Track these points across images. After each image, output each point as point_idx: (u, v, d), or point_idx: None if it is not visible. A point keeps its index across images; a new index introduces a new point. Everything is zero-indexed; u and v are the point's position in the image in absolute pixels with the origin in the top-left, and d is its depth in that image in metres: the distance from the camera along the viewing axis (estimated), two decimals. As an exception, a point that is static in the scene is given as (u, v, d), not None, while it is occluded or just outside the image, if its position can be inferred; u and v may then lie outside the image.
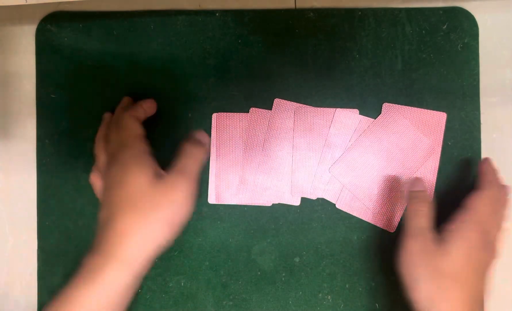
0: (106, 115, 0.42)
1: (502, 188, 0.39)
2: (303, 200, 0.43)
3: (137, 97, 0.43)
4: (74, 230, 0.43)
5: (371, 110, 0.43)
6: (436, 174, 0.43)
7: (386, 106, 0.43)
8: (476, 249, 0.36)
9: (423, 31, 0.44)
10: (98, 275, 0.32)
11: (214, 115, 0.43)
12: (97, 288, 0.32)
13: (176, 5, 0.44)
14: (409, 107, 0.43)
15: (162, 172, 0.36)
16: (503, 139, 0.44)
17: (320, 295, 0.43)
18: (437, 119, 0.43)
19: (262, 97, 0.43)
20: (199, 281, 0.43)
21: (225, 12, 0.43)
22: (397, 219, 0.43)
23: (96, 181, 0.39)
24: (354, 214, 0.43)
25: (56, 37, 0.43)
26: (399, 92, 0.44)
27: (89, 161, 0.43)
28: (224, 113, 0.43)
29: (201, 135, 0.40)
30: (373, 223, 0.43)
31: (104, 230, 0.34)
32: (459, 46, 0.44)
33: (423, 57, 0.44)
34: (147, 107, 0.41)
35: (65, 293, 0.32)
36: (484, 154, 0.44)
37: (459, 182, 0.44)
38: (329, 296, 0.43)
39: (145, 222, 0.33)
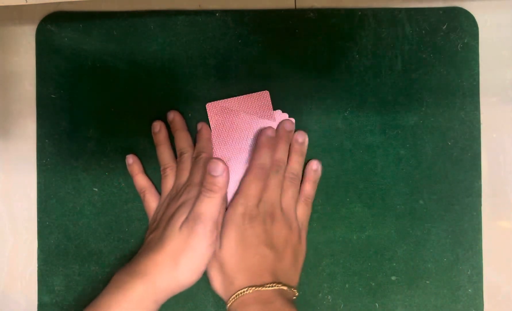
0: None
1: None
2: (303, 200, 0.43)
3: (137, 97, 0.43)
4: (74, 230, 0.43)
5: (371, 110, 0.43)
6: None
7: (209, 106, 0.43)
8: (239, 231, 0.38)
9: (423, 31, 0.44)
10: (127, 290, 0.35)
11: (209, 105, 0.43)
12: (125, 302, 0.35)
13: (176, 5, 0.44)
14: (231, 99, 0.43)
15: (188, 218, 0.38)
16: (503, 139, 0.44)
17: (320, 295, 0.43)
18: (262, 98, 0.43)
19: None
20: (199, 281, 0.43)
21: (225, 12, 0.43)
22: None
23: (152, 200, 0.42)
24: None
25: (56, 37, 0.43)
26: (399, 92, 0.44)
27: (89, 161, 0.43)
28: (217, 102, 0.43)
29: (215, 167, 0.37)
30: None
31: (142, 256, 0.37)
32: (459, 46, 0.44)
33: (423, 57, 0.44)
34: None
35: (95, 303, 0.35)
36: (484, 154, 0.44)
37: (459, 182, 0.44)
38: (329, 296, 0.43)
39: (171, 262, 0.36)
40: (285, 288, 0.37)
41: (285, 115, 0.43)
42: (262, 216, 0.39)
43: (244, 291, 0.36)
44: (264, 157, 0.40)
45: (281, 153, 0.41)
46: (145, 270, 0.36)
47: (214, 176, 0.36)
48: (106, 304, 0.35)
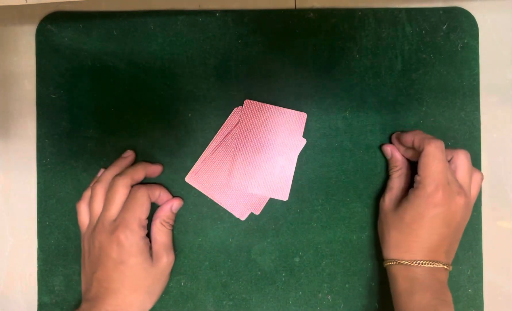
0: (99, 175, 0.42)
1: (432, 138, 0.40)
2: (303, 200, 0.43)
3: (137, 97, 0.43)
4: (74, 230, 0.43)
5: (371, 110, 0.43)
6: (294, 165, 0.43)
7: (247, 103, 0.43)
8: (432, 205, 0.37)
9: (423, 31, 0.44)
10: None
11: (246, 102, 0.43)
12: None
13: (176, 5, 0.44)
14: (270, 106, 0.43)
15: (149, 255, 0.39)
16: (503, 139, 0.44)
17: (320, 295, 0.43)
18: (298, 119, 0.43)
19: (262, 97, 0.43)
20: (199, 281, 0.43)
21: (225, 12, 0.43)
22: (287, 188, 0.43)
23: (84, 214, 0.41)
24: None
25: (56, 37, 0.43)
26: (399, 92, 0.44)
27: (89, 161, 0.43)
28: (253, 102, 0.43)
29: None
30: (269, 195, 0.43)
31: (103, 294, 0.38)
32: (459, 46, 0.44)
33: (423, 57, 0.44)
34: (144, 174, 0.41)
35: None
36: (484, 154, 0.44)
37: (459, 182, 0.44)
38: (329, 296, 0.43)
39: (142, 298, 0.38)
40: (449, 268, 0.39)
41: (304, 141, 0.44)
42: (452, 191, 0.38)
43: (418, 263, 0.38)
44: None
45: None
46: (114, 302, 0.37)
47: (173, 213, 0.42)
48: None
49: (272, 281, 0.43)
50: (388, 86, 0.44)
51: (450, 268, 0.39)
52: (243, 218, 0.43)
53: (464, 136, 0.44)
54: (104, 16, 0.43)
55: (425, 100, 0.44)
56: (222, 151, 0.43)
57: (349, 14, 0.43)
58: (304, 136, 0.43)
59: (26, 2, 0.36)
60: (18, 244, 0.44)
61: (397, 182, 0.42)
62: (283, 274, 0.43)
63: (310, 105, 0.43)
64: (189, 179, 0.43)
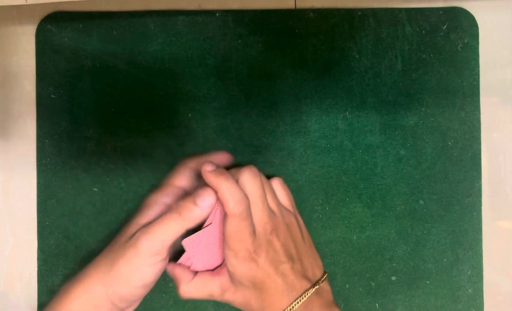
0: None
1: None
2: (303, 200, 0.43)
3: (137, 97, 0.43)
4: (74, 230, 0.43)
5: (371, 110, 0.43)
6: None
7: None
8: (248, 278, 0.36)
9: (423, 31, 0.44)
10: (63, 296, 0.36)
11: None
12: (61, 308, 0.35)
13: (176, 5, 0.44)
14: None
15: None
16: (503, 139, 0.44)
17: (320, 295, 0.43)
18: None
19: (262, 97, 0.43)
20: (199, 281, 0.43)
21: (225, 12, 0.43)
22: None
23: None
24: None
25: (56, 37, 0.43)
26: (399, 92, 0.44)
27: (89, 161, 0.43)
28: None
29: (203, 197, 0.35)
30: None
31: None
32: (459, 46, 0.44)
33: (423, 57, 0.44)
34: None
35: None
36: (484, 154, 0.44)
37: (459, 182, 0.44)
38: (329, 296, 0.43)
39: (105, 270, 0.35)
40: (318, 285, 0.37)
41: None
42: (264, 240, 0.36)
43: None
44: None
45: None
46: (85, 272, 0.36)
47: (195, 204, 0.35)
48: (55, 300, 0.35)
49: (272, 281, 0.43)
50: (388, 86, 0.44)
51: (322, 281, 0.37)
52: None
53: (464, 136, 0.44)
54: (104, 16, 0.43)
55: (425, 100, 0.44)
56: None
57: (349, 14, 0.43)
58: (303, 136, 0.43)
59: (26, 2, 0.36)
60: (18, 244, 0.44)
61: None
62: (283, 274, 0.43)
63: (310, 105, 0.43)
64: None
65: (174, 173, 0.40)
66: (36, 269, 0.43)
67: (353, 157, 0.44)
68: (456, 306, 0.43)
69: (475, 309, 0.44)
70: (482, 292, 0.44)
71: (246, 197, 0.35)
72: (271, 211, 0.37)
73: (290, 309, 0.35)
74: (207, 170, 0.35)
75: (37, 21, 0.43)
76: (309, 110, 0.43)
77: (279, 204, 0.38)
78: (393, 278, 0.44)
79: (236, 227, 0.35)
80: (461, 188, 0.44)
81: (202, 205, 0.35)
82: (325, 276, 0.38)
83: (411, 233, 0.44)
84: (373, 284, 0.43)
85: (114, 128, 0.43)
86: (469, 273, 0.43)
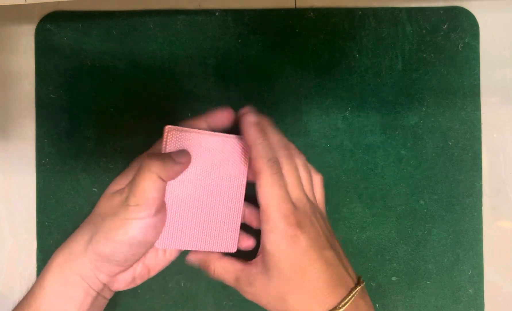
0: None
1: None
2: (303, 200, 0.43)
3: (136, 97, 0.43)
4: (74, 230, 0.43)
5: (372, 110, 0.43)
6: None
7: (169, 130, 0.35)
8: (293, 249, 0.32)
9: (424, 31, 0.43)
10: (46, 265, 0.36)
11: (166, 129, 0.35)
12: (44, 279, 0.35)
13: (176, 5, 0.43)
14: (199, 132, 0.36)
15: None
16: (504, 139, 0.44)
17: (320, 295, 0.43)
18: (239, 145, 0.36)
19: (262, 97, 0.43)
20: (199, 281, 0.43)
21: (225, 12, 0.43)
22: (234, 238, 0.38)
23: None
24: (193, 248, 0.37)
25: (55, 37, 0.43)
26: (399, 92, 0.43)
27: (89, 161, 0.43)
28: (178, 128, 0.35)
29: (179, 153, 0.35)
30: (213, 250, 0.38)
31: None
32: (459, 46, 0.44)
33: (423, 57, 0.43)
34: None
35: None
36: (484, 154, 0.44)
37: (459, 182, 0.43)
38: (329, 297, 0.43)
39: (87, 232, 0.35)
40: (363, 283, 0.34)
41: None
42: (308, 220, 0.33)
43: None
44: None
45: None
46: (68, 239, 0.35)
47: (175, 160, 0.33)
48: (31, 291, 0.35)
49: (272, 282, 0.43)
50: (388, 86, 0.43)
51: (363, 281, 0.34)
52: (234, 250, 0.38)
53: (465, 136, 0.44)
54: (104, 15, 0.43)
55: (426, 100, 0.43)
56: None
57: (349, 13, 0.43)
58: (303, 136, 0.43)
59: (25, 1, 0.36)
60: (18, 244, 0.44)
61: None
62: (283, 274, 0.43)
63: (310, 105, 0.43)
64: (161, 243, 0.36)
65: (166, 136, 0.37)
66: (35, 269, 0.43)
67: (353, 157, 0.43)
68: (456, 306, 0.43)
69: (475, 309, 0.43)
70: (483, 292, 0.43)
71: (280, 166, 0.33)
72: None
73: (337, 309, 0.31)
74: (250, 120, 0.34)
75: (37, 20, 0.43)
76: (309, 110, 0.43)
77: (314, 196, 0.37)
78: (394, 278, 0.43)
79: (271, 189, 0.32)
80: (462, 188, 0.43)
81: (181, 161, 0.34)
82: (361, 278, 0.35)
83: (411, 233, 0.43)
84: (374, 284, 0.43)
85: (113, 128, 0.43)
86: (469, 273, 0.43)
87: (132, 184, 0.33)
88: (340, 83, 0.43)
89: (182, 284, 0.43)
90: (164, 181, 0.33)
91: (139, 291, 0.43)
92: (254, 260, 0.35)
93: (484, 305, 0.43)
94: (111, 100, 0.43)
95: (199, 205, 0.36)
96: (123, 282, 0.37)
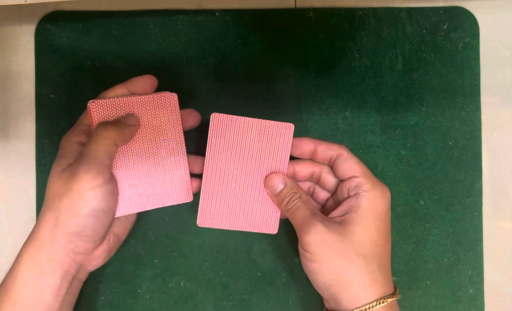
0: None
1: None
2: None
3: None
4: (74, 230, 0.43)
5: (372, 110, 0.43)
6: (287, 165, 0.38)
7: (214, 116, 0.37)
8: (385, 214, 0.34)
9: (424, 31, 0.43)
10: (17, 258, 0.35)
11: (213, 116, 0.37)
12: (16, 270, 0.35)
13: (176, 5, 0.43)
14: (245, 118, 0.37)
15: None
16: (504, 139, 0.44)
17: (320, 295, 0.43)
18: (283, 132, 0.37)
19: (262, 97, 0.43)
20: (199, 282, 0.43)
21: (225, 12, 0.43)
22: (275, 220, 0.39)
23: None
24: (236, 228, 0.38)
25: (55, 37, 0.43)
26: (399, 92, 0.43)
27: (89, 161, 0.43)
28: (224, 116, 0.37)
29: (127, 116, 0.36)
30: (254, 230, 0.39)
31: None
32: (459, 46, 0.44)
33: (423, 57, 0.43)
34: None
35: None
36: (484, 154, 0.44)
37: (459, 182, 0.43)
38: (329, 297, 0.43)
39: (51, 213, 0.34)
40: (398, 295, 0.34)
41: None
42: None
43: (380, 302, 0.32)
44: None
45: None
46: (33, 230, 0.35)
47: (127, 124, 0.35)
48: (2, 285, 0.34)
49: (272, 282, 0.43)
50: (388, 86, 0.43)
51: (398, 294, 0.35)
52: (276, 231, 0.39)
53: (465, 136, 0.44)
54: (104, 15, 0.43)
55: (426, 100, 0.43)
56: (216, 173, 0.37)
57: (349, 13, 0.43)
58: (304, 136, 0.43)
59: (25, 1, 0.36)
60: (18, 244, 0.43)
61: (311, 205, 0.35)
62: (283, 275, 0.43)
63: (310, 105, 0.43)
64: (203, 221, 0.38)
65: (84, 112, 0.38)
66: (35, 269, 0.43)
67: (353, 157, 0.43)
68: (456, 306, 0.43)
69: (475, 309, 0.43)
70: (483, 292, 0.43)
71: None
72: None
73: (370, 307, 0.32)
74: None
75: (36, 20, 0.43)
76: (309, 110, 0.43)
77: None
78: (394, 278, 0.43)
79: (358, 161, 0.35)
80: (462, 188, 0.43)
81: (132, 123, 0.35)
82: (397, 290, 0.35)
83: (411, 233, 0.43)
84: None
85: (113, 128, 0.43)
86: (469, 273, 0.43)
87: (85, 154, 0.33)
88: (340, 83, 0.43)
89: (182, 284, 0.43)
90: (117, 147, 0.34)
91: (139, 291, 0.43)
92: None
93: (484, 305, 0.43)
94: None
95: (240, 183, 0.37)
96: (100, 257, 0.37)
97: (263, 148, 0.37)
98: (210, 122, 0.37)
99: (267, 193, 0.38)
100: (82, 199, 0.33)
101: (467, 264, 0.43)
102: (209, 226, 0.38)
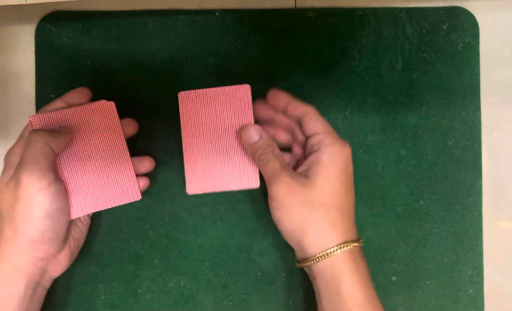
0: None
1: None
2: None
3: (136, 97, 0.43)
4: (74, 230, 0.43)
5: (372, 110, 0.43)
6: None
7: (181, 94, 0.39)
8: (346, 168, 0.36)
9: (424, 31, 0.43)
10: None
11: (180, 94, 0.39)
12: None
13: (176, 5, 0.43)
14: (207, 89, 0.39)
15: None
16: (504, 139, 0.44)
17: (320, 295, 0.43)
18: (242, 92, 0.39)
19: (262, 97, 0.43)
20: (199, 282, 0.43)
21: (225, 12, 0.43)
22: (255, 175, 0.40)
23: None
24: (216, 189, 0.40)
25: (55, 37, 0.43)
26: (399, 92, 0.43)
27: (89, 161, 0.43)
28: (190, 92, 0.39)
29: (60, 127, 0.38)
30: (238, 188, 0.40)
31: None
32: (459, 46, 0.44)
33: (423, 57, 0.43)
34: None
35: None
36: (484, 154, 0.44)
37: (459, 182, 0.43)
38: (329, 297, 0.43)
39: (8, 224, 0.34)
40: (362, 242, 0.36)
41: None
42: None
43: (339, 248, 0.34)
44: None
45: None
46: None
47: (60, 130, 0.37)
48: None
49: (272, 282, 0.43)
50: (388, 86, 0.43)
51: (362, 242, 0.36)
52: (258, 185, 0.40)
53: (465, 136, 0.44)
54: (104, 15, 0.43)
55: (426, 100, 0.43)
56: (195, 141, 0.40)
57: (349, 13, 0.43)
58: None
59: (26, 1, 0.36)
60: (18, 244, 0.44)
61: (281, 158, 0.37)
62: (283, 275, 0.43)
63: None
64: (191, 189, 0.40)
65: (26, 126, 0.39)
66: (35, 269, 0.43)
67: (353, 157, 0.43)
68: (456, 306, 0.43)
69: (475, 309, 0.43)
70: (483, 292, 0.43)
71: None
72: None
73: (333, 252, 0.34)
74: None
75: (37, 20, 0.43)
76: (309, 110, 0.43)
77: None
78: (394, 278, 0.43)
79: (322, 119, 0.37)
80: (462, 188, 0.43)
81: (65, 131, 0.37)
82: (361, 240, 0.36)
83: (411, 233, 0.43)
84: (374, 284, 0.43)
85: (113, 128, 0.43)
86: (469, 273, 0.43)
87: (23, 161, 0.34)
88: (340, 83, 0.43)
89: (182, 284, 0.43)
90: (54, 151, 0.35)
91: (139, 291, 0.43)
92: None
93: (484, 305, 0.43)
94: (111, 100, 0.43)
95: (217, 148, 0.39)
96: (64, 261, 0.38)
97: (229, 112, 0.39)
98: (179, 101, 0.39)
99: (243, 148, 0.39)
100: (33, 203, 0.34)
101: (467, 264, 0.43)
102: (198, 192, 0.39)
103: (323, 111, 0.43)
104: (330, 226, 0.35)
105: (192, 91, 0.39)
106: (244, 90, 0.39)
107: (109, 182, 0.40)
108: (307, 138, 0.38)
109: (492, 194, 0.44)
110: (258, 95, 0.43)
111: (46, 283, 0.37)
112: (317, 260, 0.34)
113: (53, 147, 0.35)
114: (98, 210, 0.39)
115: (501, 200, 0.44)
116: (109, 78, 0.43)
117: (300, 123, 0.38)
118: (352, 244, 0.34)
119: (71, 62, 0.43)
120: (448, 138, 0.43)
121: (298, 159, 0.40)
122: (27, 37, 0.43)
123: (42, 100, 0.43)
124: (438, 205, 0.43)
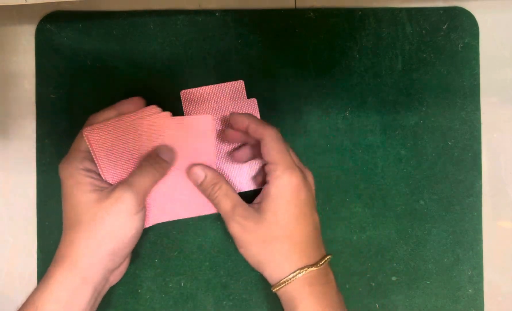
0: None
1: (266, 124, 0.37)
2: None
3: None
4: (74, 230, 0.43)
5: (372, 110, 0.43)
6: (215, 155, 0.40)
7: (183, 93, 0.41)
8: (295, 198, 0.36)
9: (424, 31, 0.43)
10: (48, 278, 0.35)
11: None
12: (47, 289, 0.34)
13: (176, 5, 0.43)
14: (205, 87, 0.42)
15: (105, 185, 0.37)
16: (504, 139, 0.44)
17: (320, 295, 0.43)
18: (236, 87, 0.41)
19: (262, 97, 0.43)
20: (199, 281, 0.43)
21: (225, 12, 0.43)
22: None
23: None
24: (174, 218, 0.40)
25: (55, 37, 0.43)
26: (399, 92, 0.43)
27: (89, 161, 0.43)
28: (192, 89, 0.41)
29: (166, 152, 0.39)
30: (196, 215, 0.41)
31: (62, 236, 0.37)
32: (459, 46, 0.44)
33: (423, 57, 0.43)
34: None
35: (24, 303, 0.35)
36: (484, 154, 0.44)
37: (459, 182, 0.44)
38: (329, 296, 0.43)
39: (88, 234, 0.35)
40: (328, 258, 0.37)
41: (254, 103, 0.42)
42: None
43: (298, 273, 0.35)
44: None
45: None
46: (64, 252, 0.35)
47: (166, 160, 0.38)
48: (30, 302, 0.34)
49: (272, 281, 0.43)
50: (388, 86, 0.43)
51: (328, 261, 0.37)
52: (214, 209, 0.40)
53: (465, 136, 0.44)
54: (104, 16, 0.43)
55: (426, 100, 0.43)
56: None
57: (349, 13, 0.43)
58: (304, 136, 0.43)
59: (26, 2, 0.36)
60: (18, 244, 0.44)
61: (232, 195, 0.37)
62: (283, 274, 0.43)
63: (310, 105, 0.43)
64: (147, 222, 0.40)
65: (80, 137, 0.38)
66: (36, 269, 0.43)
67: (353, 157, 0.43)
68: (456, 306, 0.43)
69: (475, 309, 0.43)
70: (483, 292, 0.43)
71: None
72: None
73: (288, 280, 0.35)
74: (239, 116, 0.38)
75: (37, 20, 0.43)
76: (309, 110, 0.43)
77: None
78: (394, 278, 0.43)
79: (278, 144, 0.36)
80: (462, 188, 0.44)
81: (170, 158, 0.39)
82: (328, 257, 0.37)
83: (411, 233, 0.43)
84: (373, 284, 0.43)
85: (113, 128, 0.43)
86: (469, 273, 0.43)
87: (133, 184, 0.36)
88: (340, 83, 0.43)
89: (182, 284, 0.43)
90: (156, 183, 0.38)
91: (139, 291, 0.43)
92: (252, 204, 0.38)
93: (484, 305, 0.43)
94: (111, 100, 0.43)
95: (177, 178, 0.39)
96: (124, 270, 0.39)
97: (190, 143, 0.39)
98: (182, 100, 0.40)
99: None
100: (128, 223, 0.36)
101: (467, 264, 0.43)
102: (155, 223, 0.40)
103: (323, 111, 0.43)
104: (283, 258, 0.36)
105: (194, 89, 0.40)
106: (205, 122, 0.39)
107: (187, 193, 0.40)
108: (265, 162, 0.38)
109: (492, 194, 0.44)
110: (258, 95, 0.43)
111: (104, 291, 0.38)
112: (277, 288, 0.36)
113: (159, 177, 0.38)
114: (172, 220, 0.40)
115: (501, 200, 0.44)
116: (109, 78, 0.43)
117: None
118: (305, 269, 0.35)
119: (71, 62, 0.43)
120: (448, 138, 0.43)
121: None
122: (28, 37, 0.43)
123: (42, 100, 0.43)
124: (438, 205, 0.43)
